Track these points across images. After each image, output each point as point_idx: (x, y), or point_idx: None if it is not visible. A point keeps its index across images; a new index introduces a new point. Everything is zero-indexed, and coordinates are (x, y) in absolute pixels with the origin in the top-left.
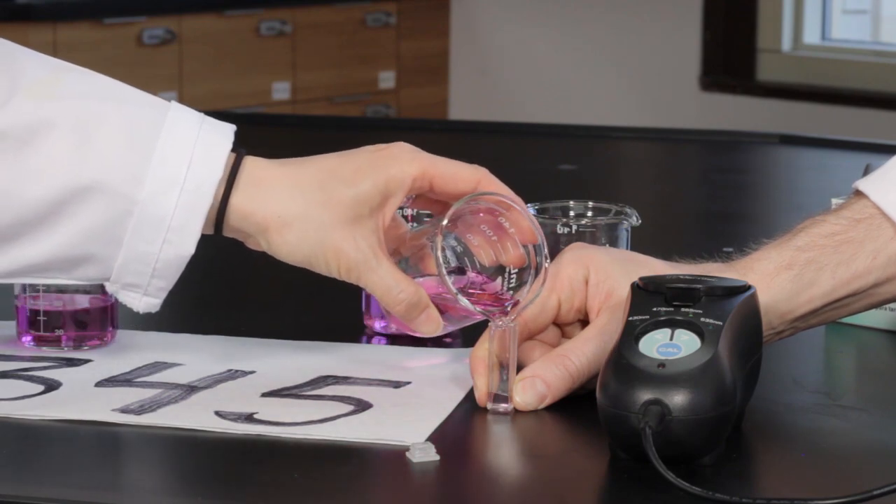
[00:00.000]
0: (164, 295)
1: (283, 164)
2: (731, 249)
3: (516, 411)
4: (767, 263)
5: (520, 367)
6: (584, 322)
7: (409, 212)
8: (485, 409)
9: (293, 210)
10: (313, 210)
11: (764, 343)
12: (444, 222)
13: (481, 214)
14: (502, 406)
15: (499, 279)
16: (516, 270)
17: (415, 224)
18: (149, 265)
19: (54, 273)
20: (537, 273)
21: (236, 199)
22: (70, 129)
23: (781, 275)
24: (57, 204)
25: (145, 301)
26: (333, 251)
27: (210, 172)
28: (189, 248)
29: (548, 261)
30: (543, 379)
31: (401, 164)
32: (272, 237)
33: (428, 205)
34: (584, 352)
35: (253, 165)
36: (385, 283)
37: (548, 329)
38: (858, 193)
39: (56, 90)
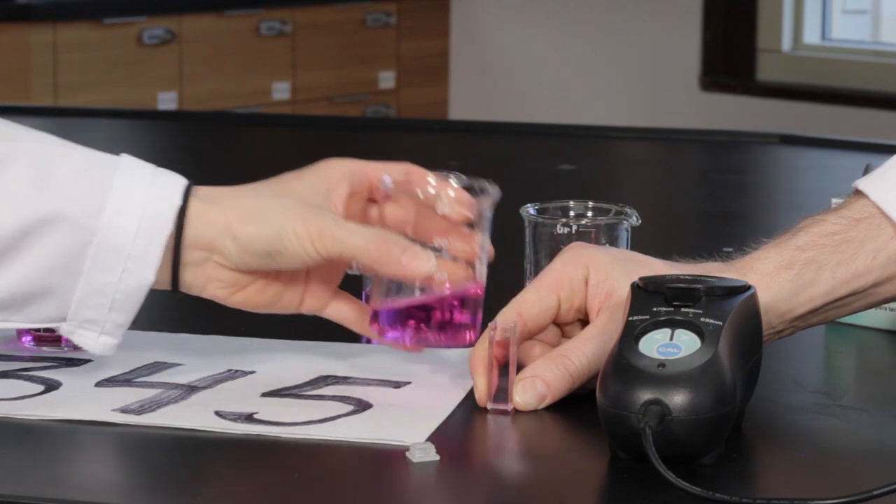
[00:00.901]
0: (120, 334)
1: (230, 187)
2: (730, 249)
3: (516, 411)
4: (767, 263)
5: (520, 367)
6: (585, 322)
7: None
8: (485, 409)
9: (252, 203)
10: (270, 200)
11: (764, 343)
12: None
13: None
14: (502, 406)
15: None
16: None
17: None
18: (108, 296)
19: (8, 313)
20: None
21: (194, 207)
22: (28, 164)
23: (781, 274)
24: (17, 237)
25: (102, 341)
26: (301, 220)
27: (168, 200)
28: (149, 275)
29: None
30: (543, 379)
31: (335, 162)
32: (237, 228)
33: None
34: (584, 351)
35: (205, 188)
36: (360, 232)
37: (548, 329)
38: (858, 193)
39: (12, 134)
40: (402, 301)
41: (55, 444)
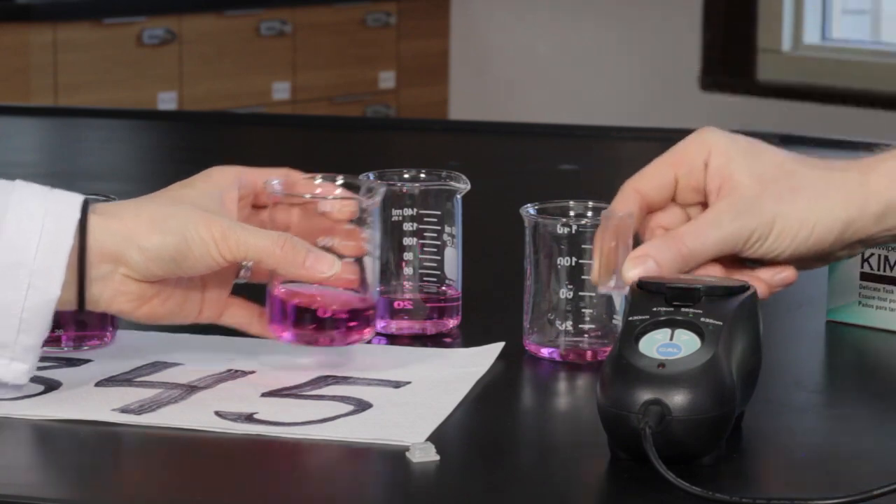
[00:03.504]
0: (31, 359)
1: (126, 200)
2: None
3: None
4: (893, 165)
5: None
6: (706, 205)
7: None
8: (484, 410)
9: (152, 212)
10: (170, 208)
11: (881, 244)
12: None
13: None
14: (613, 286)
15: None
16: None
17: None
18: (15, 316)
19: None
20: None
21: (94, 220)
22: None
23: None
24: None
25: (13, 368)
26: (204, 225)
27: (66, 213)
28: (54, 290)
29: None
30: (655, 258)
31: (221, 169)
32: (141, 238)
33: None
34: (699, 235)
35: (103, 204)
36: (263, 234)
37: (672, 212)
38: None
39: None
40: (298, 300)
41: (55, 444)
